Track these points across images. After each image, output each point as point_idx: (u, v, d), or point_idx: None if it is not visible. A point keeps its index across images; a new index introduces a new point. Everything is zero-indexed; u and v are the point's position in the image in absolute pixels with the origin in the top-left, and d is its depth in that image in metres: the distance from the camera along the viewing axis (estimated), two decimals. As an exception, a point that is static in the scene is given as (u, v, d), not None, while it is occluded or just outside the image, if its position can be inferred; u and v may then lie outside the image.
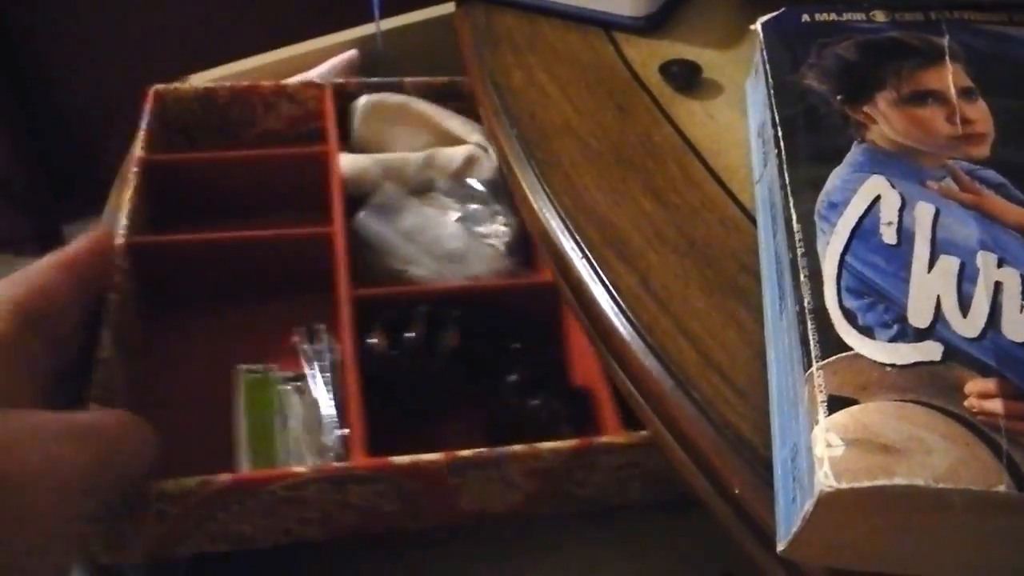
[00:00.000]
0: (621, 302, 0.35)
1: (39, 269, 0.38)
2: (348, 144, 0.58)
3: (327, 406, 0.45)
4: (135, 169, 0.52)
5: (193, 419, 0.45)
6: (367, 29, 0.68)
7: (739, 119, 0.43)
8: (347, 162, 0.55)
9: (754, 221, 0.38)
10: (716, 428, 0.30)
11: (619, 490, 0.41)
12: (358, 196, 0.53)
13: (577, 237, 0.37)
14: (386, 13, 0.68)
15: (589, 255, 0.36)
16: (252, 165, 0.56)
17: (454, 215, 0.52)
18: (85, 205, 1.13)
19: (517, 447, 0.39)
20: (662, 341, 0.33)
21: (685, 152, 0.41)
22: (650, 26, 0.49)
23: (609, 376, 0.36)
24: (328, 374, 0.47)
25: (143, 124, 0.56)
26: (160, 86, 0.59)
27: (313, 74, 0.64)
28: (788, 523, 0.26)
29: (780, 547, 0.26)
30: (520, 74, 0.47)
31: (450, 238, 0.51)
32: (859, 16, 0.39)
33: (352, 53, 0.66)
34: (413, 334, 0.46)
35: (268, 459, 0.43)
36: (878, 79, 0.35)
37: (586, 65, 0.47)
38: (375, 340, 0.45)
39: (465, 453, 0.38)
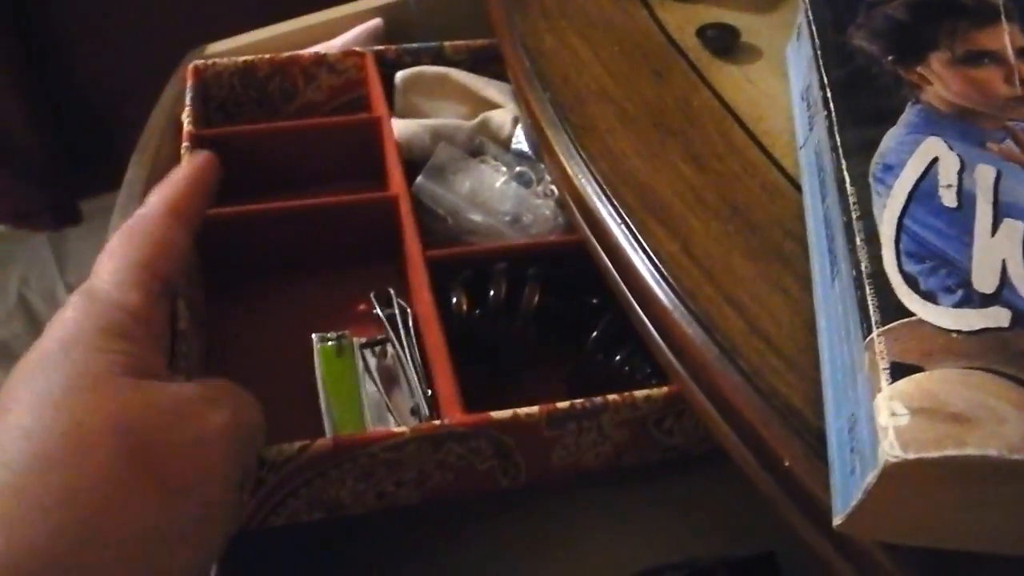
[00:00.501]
0: (663, 268, 0.33)
1: (154, 220, 0.36)
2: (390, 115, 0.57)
3: (410, 369, 0.44)
4: (186, 144, 0.51)
5: (268, 391, 0.45)
6: (388, -3, 0.66)
7: (780, 84, 0.41)
8: (399, 127, 0.54)
9: (798, 187, 0.36)
10: (764, 397, 0.29)
11: (705, 437, 0.40)
12: (409, 161, 0.52)
13: (615, 202, 0.36)
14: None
15: (628, 220, 0.35)
16: (302, 135, 0.55)
17: (507, 177, 0.51)
18: (101, 179, 1.13)
19: (612, 396, 0.38)
20: (706, 308, 0.32)
21: (725, 117, 0.40)
22: (685, -11, 0.47)
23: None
24: (405, 338, 0.46)
25: (187, 99, 0.55)
26: (199, 62, 0.58)
27: (337, 43, 0.63)
28: (846, 496, 0.25)
29: (836, 521, 0.25)
30: (551, 38, 0.46)
31: (505, 199, 0.50)
32: (908, -25, 0.38)
33: (376, 22, 0.64)
34: (494, 293, 0.45)
35: (354, 426, 0.43)
36: (931, 39, 0.34)
37: (619, 29, 0.46)
38: (457, 300, 0.45)
39: (562, 405, 0.38)
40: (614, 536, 0.43)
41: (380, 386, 0.44)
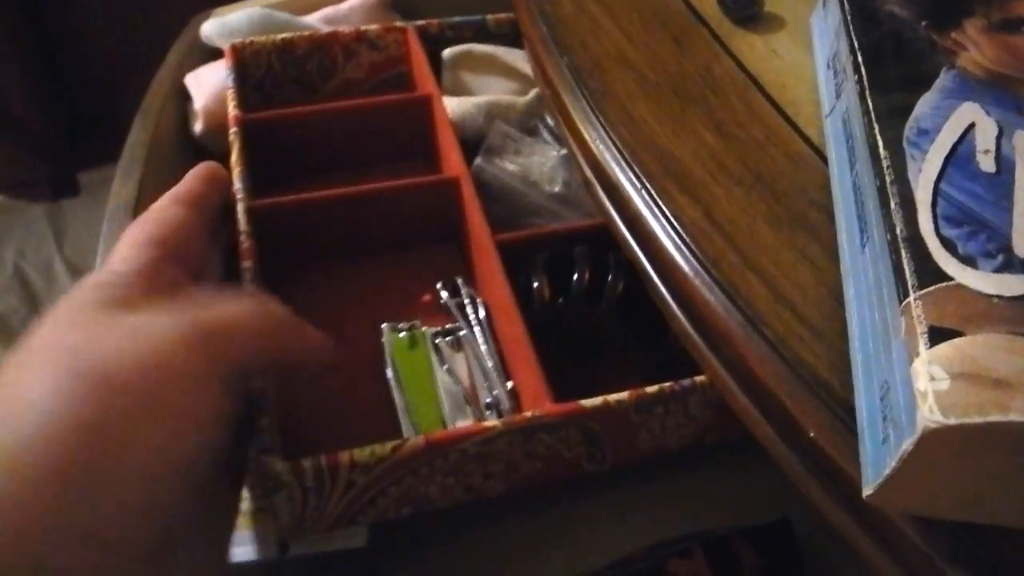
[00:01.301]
0: (684, 235, 0.32)
1: (163, 207, 0.37)
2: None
3: (486, 360, 0.44)
4: (234, 129, 0.50)
5: (335, 380, 0.44)
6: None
7: (804, 54, 0.40)
8: (452, 106, 0.53)
9: (823, 157, 0.35)
10: (790, 367, 0.28)
11: None
12: (462, 140, 0.51)
13: (636, 169, 0.35)
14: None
15: (649, 187, 0.34)
16: (351, 115, 0.54)
17: (560, 154, 0.50)
18: (99, 151, 1.11)
19: (699, 378, 0.38)
20: (730, 276, 0.31)
21: (747, 86, 0.39)
22: (706, -42, 0.46)
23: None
24: (478, 327, 0.45)
25: (230, 82, 0.54)
26: (236, 41, 0.56)
27: (343, 8, 0.62)
28: (878, 466, 0.24)
29: (867, 492, 0.24)
30: (569, 4, 0.45)
31: (557, 178, 0.49)
32: (941, -58, 0.37)
33: (383, -12, 0.63)
34: (578, 279, 0.43)
35: (432, 419, 0.42)
36: (966, 5, 0.33)
37: (639, -4, 0.45)
38: (539, 287, 0.43)
39: (651, 389, 0.38)
40: (619, 525, 0.42)
41: (460, 378, 0.43)
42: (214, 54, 0.60)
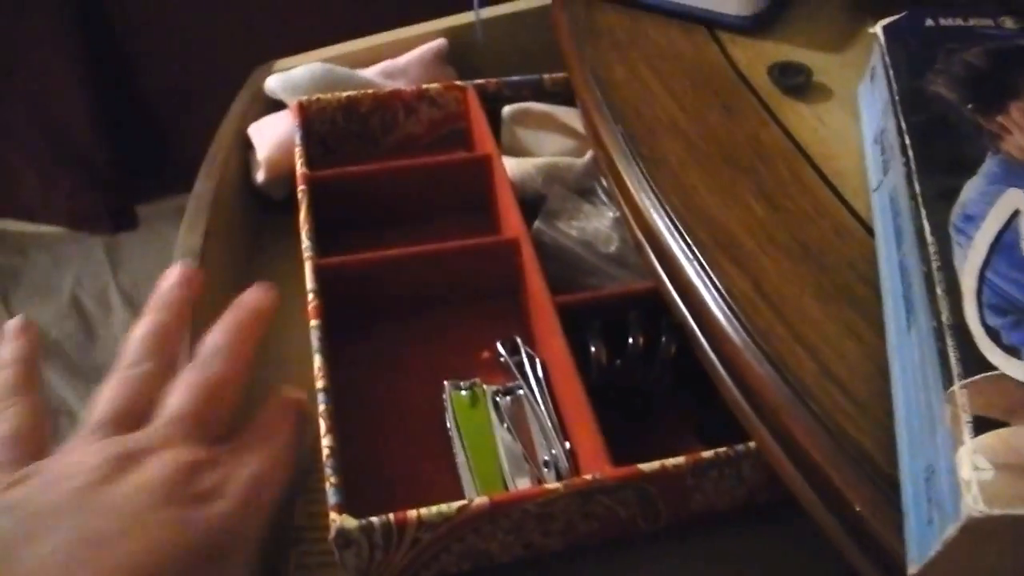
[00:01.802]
0: (735, 306, 0.34)
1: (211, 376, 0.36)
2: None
3: (546, 419, 0.45)
4: (302, 187, 0.52)
5: (398, 434, 0.46)
6: (463, 18, 0.67)
7: (851, 124, 0.41)
8: (512, 166, 0.55)
9: (869, 230, 0.36)
10: (836, 441, 0.29)
11: None
12: (520, 200, 0.53)
13: (688, 238, 0.37)
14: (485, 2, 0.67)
15: (700, 257, 0.36)
16: (413, 173, 0.56)
17: (614, 216, 0.51)
18: (156, 185, 1.15)
19: (751, 443, 0.39)
20: (778, 349, 0.32)
21: (795, 156, 0.40)
22: (756, 26, 0.48)
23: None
24: (536, 386, 0.46)
25: (297, 139, 0.56)
26: (303, 99, 0.59)
27: (401, 62, 0.64)
28: (923, 546, 0.25)
29: (912, 570, 0.25)
30: (622, 69, 0.46)
31: (612, 239, 0.50)
32: (987, 22, 0.38)
33: (441, 42, 0.66)
34: (632, 342, 0.45)
35: (492, 476, 0.44)
36: (1012, 88, 0.34)
37: (689, 63, 0.47)
38: (597, 350, 0.45)
39: (707, 454, 0.39)
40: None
41: (517, 437, 0.45)
42: (276, 105, 0.63)
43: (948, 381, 0.25)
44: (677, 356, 0.45)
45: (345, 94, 0.59)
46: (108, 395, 0.35)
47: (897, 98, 0.35)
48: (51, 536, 0.29)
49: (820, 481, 0.30)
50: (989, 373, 0.25)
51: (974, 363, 0.25)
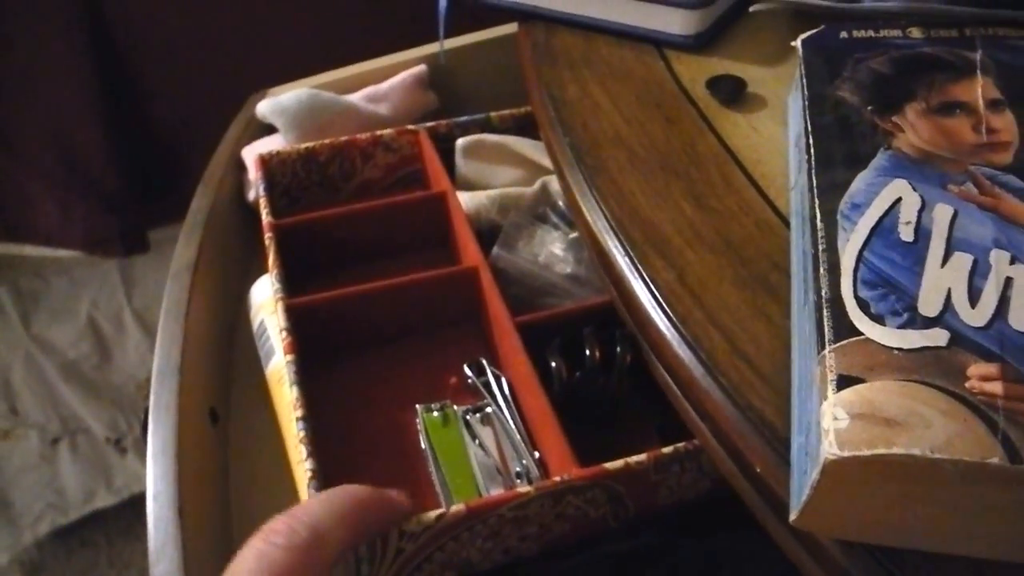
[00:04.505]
0: (658, 295, 0.37)
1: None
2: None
3: (514, 432, 0.48)
4: (269, 235, 0.56)
5: (373, 460, 0.48)
6: (433, 47, 0.72)
7: (780, 131, 0.45)
8: (466, 200, 0.58)
9: (788, 224, 0.40)
10: (740, 411, 0.33)
11: None
12: (477, 231, 0.56)
13: (620, 236, 0.40)
14: (453, 32, 0.71)
15: (631, 253, 0.39)
16: (374, 214, 0.59)
17: (568, 238, 0.55)
18: (167, 210, 1.20)
19: None
20: (695, 331, 0.35)
21: (727, 161, 0.44)
22: (700, 44, 0.51)
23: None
24: (504, 403, 0.49)
25: (260, 190, 0.59)
26: (264, 152, 0.62)
27: (385, 87, 0.68)
28: (799, 494, 0.28)
29: (792, 516, 0.28)
30: (574, 87, 0.50)
31: (568, 260, 0.54)
32: (895, 32, 0.41)
33: (421, 68, 0.70)
34: (589, 355, 0.48)
35: (468, 490, 0.46)
36: (909, 91, 0.37)
37: (637, 79, 0.50)
38: (557, 366, 0.48)
39: (667, 450, 0.42)
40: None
41: (490, 451, 0.48)
42: (268, 129, 0.67)
43: (821, 346, 0.28)
44: (633, 364, 0.48)
45: (304, 146, 0.63)
46: None
47: (806, 103, 0.38)
48: None
49: (731, 449, 0.33)
50: (856, 338, 0.28)
51: (845, 330, 0.28)
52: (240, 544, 0.33)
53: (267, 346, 0.54)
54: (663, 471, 0.42)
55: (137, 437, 1.20)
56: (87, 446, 1.19)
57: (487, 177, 0.61)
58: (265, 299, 0.55)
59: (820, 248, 0.31)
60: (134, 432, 1.21)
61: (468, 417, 0.50)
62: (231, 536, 0.50)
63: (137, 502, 1.16)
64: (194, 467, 0.49)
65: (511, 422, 0.49)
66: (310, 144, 0.63)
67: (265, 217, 0.57)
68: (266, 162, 0.62)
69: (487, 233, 0.56)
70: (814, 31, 0.42)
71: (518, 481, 0.46)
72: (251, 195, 0.63)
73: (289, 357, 0.47)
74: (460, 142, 0.61)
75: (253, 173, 0.63)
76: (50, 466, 1.17)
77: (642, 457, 0.41)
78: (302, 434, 0.43)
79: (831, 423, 0.26)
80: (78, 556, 1.12)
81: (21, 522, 1.12)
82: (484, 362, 0.52)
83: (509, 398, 0.50)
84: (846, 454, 0.25)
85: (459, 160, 0.61)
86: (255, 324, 0.56)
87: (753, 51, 0.51)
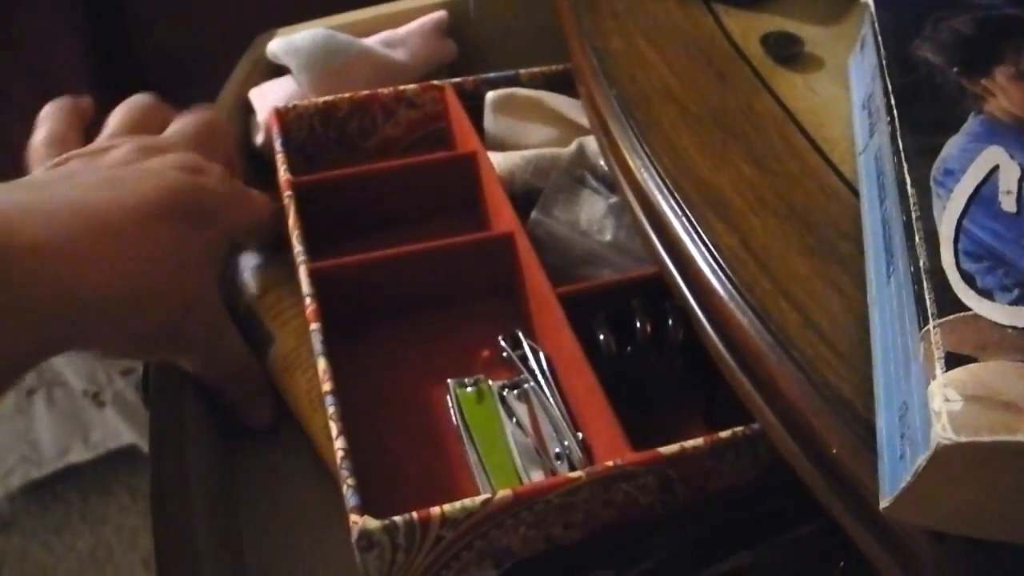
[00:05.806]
0: (721, 260, 0.35)
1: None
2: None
3: (555, 411, 0.45)
4: (288, 193, 0.52)
5: (404, 435, 0.45)
6: (453, -8, 0.68)
7: (841, 93, 0.42)
8: (499, 161, 0.54)
9: (855, 192, 0.37)
10: (816, 388, 0.30)
11: None
12: (510, 194, 0.52)
13: (677, 196, 0.37)
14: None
15: (689, 214, 0.37)
16: (400, 174, 0.55)
17: (609, 203, 0.51)
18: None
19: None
20: (762, 300, 0.33)
21: (786, 123, 0.41)
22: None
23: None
24: (543, 379, 0.46)
25: (278, 146, 0.55)
26: (280, 106, 0.58)
27: (401, 32, 0.65)
28: (894, 480, 0.26)
29: (884, 504, 0.26)
30: (619, 39, 0.47)
31: (607, 226, 0.50)
32: (975, -8, 0.39)
33: (441, 14, 0.66)
34: (640, 329, 0.45)
35: (505, 471, 0.43)
36: (996, 53, 0.35)
37: (685, 34, 0.47)
38: (606, 340, 0.45)
39: (725, 435, 0.39)
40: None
41: (530, 431, 0.45)
42: (278, 71, 0.63)
43: (924, 321, 0.26)
44: (686, 341, 0.45)
45: (322, 99, 0.58)
46: (119, 115, 0.50)
47: (884, 63, 0.36)
48: (86, 176, 0.42)
49: (799, 428, 0.31)
50: (963, 313, 0.26)
51: (949, 304, 0.26)
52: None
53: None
54: (718, 457, 0.39)
55: (119, 390, 1.17)
56: (64, 398, 1.15)
57: (517, 135, 0.58)
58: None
59: (914, 215, 0.29)
60: (113, 385, 1.18)
61: (504, 393, 0.46)
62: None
63: (114, 458, 1.13)
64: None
65: (551, 400, 0.45)
66: (329, 98, 0.59)
67: (283, 174, 0.53)
68: (282, 116, 0.58)
69: (521, 196, 0.53)
70: (887, -13, 0.40)
71: (558, 463, 0.43)
72: (259, 139, 0.60)
73: (315, 326, 0.44)
74: (490, 95, 0.58)
75: (262, 116, 0.59)
76: (24, 418, 1.14)
77: (699, 441, 0.39)
78: (331, 410, 0.40)
79: (943, 404, 0.24)
80: (51, 511, 1.09)
81: (-7, 476, 1.09)
82: (520, 334, 0.49)
83: (548, 374, 0.47)
84: (963, 439, 0.23)
85: (488, 116, 0.58)
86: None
87: (807, 8, 0.48)
